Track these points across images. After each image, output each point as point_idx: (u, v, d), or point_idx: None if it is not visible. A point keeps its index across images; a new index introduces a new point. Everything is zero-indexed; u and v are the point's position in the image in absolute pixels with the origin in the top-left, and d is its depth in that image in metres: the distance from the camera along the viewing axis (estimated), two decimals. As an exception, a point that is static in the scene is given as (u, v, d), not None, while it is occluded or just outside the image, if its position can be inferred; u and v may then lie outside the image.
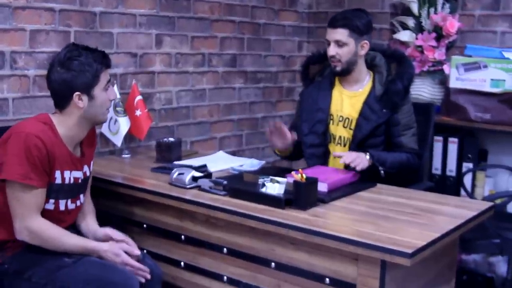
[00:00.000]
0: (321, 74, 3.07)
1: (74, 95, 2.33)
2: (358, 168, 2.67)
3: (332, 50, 2.88)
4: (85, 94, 2.35)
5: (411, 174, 2.99)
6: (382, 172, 2.81)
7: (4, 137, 2.29)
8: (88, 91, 2.36)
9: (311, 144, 2.98)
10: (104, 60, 2.40)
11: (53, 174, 2.31)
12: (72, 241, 2.34)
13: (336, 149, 2.97)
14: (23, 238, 2.27)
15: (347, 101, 2.96)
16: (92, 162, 2.56)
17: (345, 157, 2.68)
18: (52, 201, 2.35)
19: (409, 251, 1.91)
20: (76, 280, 2.24)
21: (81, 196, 2.49)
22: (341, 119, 2.96)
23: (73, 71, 2.32)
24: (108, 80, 2.43)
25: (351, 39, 2.85)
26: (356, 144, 2.89)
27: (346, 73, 2.94)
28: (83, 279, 2.24)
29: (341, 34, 2.85)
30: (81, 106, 2.35)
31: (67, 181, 2.38)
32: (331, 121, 2.98)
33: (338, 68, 2.91)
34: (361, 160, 2.70)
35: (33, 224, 2.26)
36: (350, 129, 2.93)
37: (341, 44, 2.86)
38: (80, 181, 2.45)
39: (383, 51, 3.05)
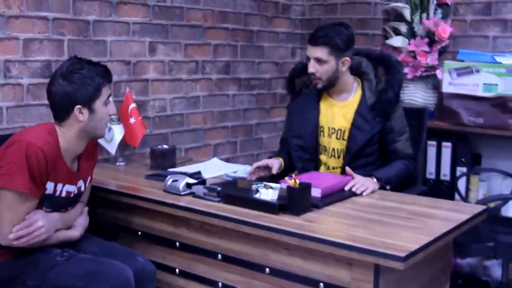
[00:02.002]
0: (308, 85, 3.04)
1: (75, 108, 2.33)
2: (365, 193, 2.64)
3: (312, 67, 2.85)
4: (86, 108, 2.35)
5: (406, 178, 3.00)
6: (388, 189, 2.81)
7: (8, 141, 2.28)
8: (89, 104, 2.35)
9: (302, 159, 2.97)
10: (106, 75, 2.40)
11: (45, 184, 2.31)
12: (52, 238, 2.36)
13: (330, 162, 2.95)
14: (8, 244, 2.26)
15: (338, 112, 2.93)
16: (89, 177, 2.56)
17: (355, 187, 2.65)
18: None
19: (402, 254, 1.92)
20: (69, 276, 2.26)
21: (69, 208, 2.49)
22: (333, 131, 2.93)
23: (75, 84, 2.32)
24: (109, 95, 2.43)
25: (332, 57, 2.81)
26: (352, 156, 2.88)
27: (328, 88, 2.92)
28: (75, 275, 2.26)
29: (321, 52, 2.81)
30: (82, 119, 2.35)
31: (57, 193, 2.37)
32: (322, 134, 2.95)
33: (319, 85, 2.90)
34: (369, 184, 2.69)
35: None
36: (344, 140, 2.90)
37: (322, 62, 2.83)
38: (72, 195, 2.45)
39: (368, 55, 3.02)
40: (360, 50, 3.04)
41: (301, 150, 2.96)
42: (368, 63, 2.96)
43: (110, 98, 2.46)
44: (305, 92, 3.06)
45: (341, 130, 2.91)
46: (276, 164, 2.88)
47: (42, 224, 2.29)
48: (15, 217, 2.24)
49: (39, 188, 2.27)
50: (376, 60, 2.98)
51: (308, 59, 2.87)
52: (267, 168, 2.86)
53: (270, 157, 3.05)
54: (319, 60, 2.83)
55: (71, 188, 2.43)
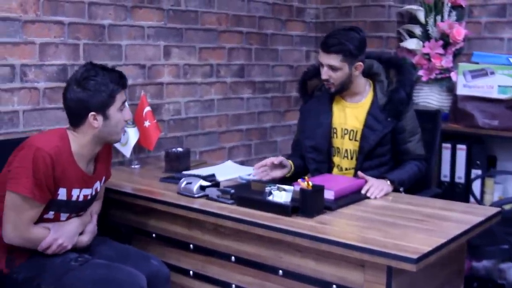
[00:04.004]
0: (320, 88, 3.03)
1: (89, 114, 2.35)
2: (379, 196, 2.64)
3: (325, 74, 2.84)
4: (100, 114, 2.36)
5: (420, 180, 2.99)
6: (402, 191, 2.81)
7: (20, 145, 2.32)
8: (103, 111, 2.37)
9: (315, 161, 2.97)
10: (120, 81, 2.41)
11: (57, 191, 2.33)
12: None
13: (342, 163, 2.95)
14: (11, 243, 2.30)
15: (351, 113, 2.94)
16: (104, 177, 2.59)
17: (371, 191, 2.64)
18: (52, 213, 2.37)
19: (415, 256, 1.92)
20: (83, 282, 2.27)
21: (87, 209, 2.52)
22: (346, 132, 2.93)
23: (89, 91, 2.33)
24: (123, 101, 2.44)
25: (345, 64, 2.80)
26: (364, 156, 2.88)
27: (341, 92, 2.92)
28: (89, 280, 2.28)
29: (334, 59, 2.79)
30: (96, 126, 2.37)
31: (74, 198, 2.39)
32: (335, 135, 2.96)
33: (332, 90, 2.89)
34: (383, 187, 2.68)
35: (25, 235, 2.29)
36: (356, 140, 2.91)
37: (335, 69, 2.81)
38: (89, 197, 2.48)
39: (378, 57, 3.01)
40: (371, 53, 3.03)
41: (314, 152, 2.97)
42: (379, 65, 2.96)
43: (126, 104, 2.47)
44: (317, 94, 3.06)
45: (353, 131, 2.91)
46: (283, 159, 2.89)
47: (61, 242, 2.35)
48: (18, 219, 2.27)
49: (45, 193, 2.28)
50: (387, 63, 2.98)
51: (321, 64, 2.86)
52: (280, 165, 2.88)
53: None
54: (332, 67, 2.82)
55: (88, 192, 2.45)
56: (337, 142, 2.96)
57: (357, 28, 2.90)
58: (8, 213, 2.27)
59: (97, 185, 2.51)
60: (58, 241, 2.34)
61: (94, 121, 2.36)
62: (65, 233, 2.37)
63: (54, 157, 2.26)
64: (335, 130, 2.96)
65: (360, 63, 2.84)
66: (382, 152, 2.90)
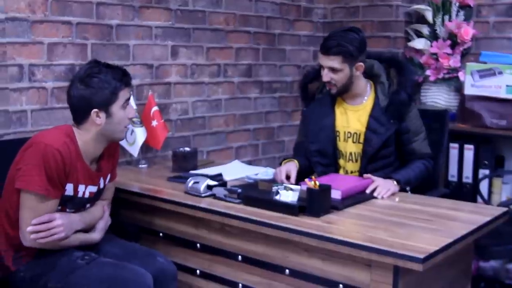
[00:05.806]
0: (321, 90, 3.01)
1: (92, 111, 2.36)
2: (386, 196, 2.64)
3: (326, 76, 2.82)
4: (103, 111, 2.38)
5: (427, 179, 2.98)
6: (408, 190, 2.81)
7: (26, 144, 2.33)
8: (106, 108, 2.38)
9: (321, 164, 2.96)
10: (123, 78, 2.42)
11: (65, 186, 2.34)
12: (73, 239, 2.38)
13: (347, 166, 2.94)
14: (31, 245, 2.30)
15: (353, 116, 2.92)
16: (110, 175, 2.58)
17: (377, 191, 2.65)
18: (58, 208, 2.37)
19: (421, 256, 1.92)
20: (90, 280, 2.28)
21: (88, 205, 2.51)
22: (349, 135, 2.92)
23: (92, 88, 2.35)
24: (127, 98, 2.44)
25: (346, 65, 2.78)
26: (368, 159, 2.87)
27: (342, 93, 2.90)
28: (96, 279, 2.28)
29: (334, 61, 2.77)
30: (99, 123, 2.38)
31: (80, 195, 2.40)
32: (338, 138, 2.94)
33: (334, 91, 2.88)
34: (389, 186, 2.68)
35: None
36: (360, 143, 2.89)
37: (336, 71, 2.80)
38: (94, 195, 2.49)
39: (378, 57, 3.00)
40: (371, 53, 2.99)
41: (319, 156, 2.96)
42: (380, 65, 2.95)
43: (130, 102, 2.48)
44: (318, 97, 3.04)
45: (356, 133, 2.90)
46: (293, 170, 2.85)
47: (61, 223, 2.31)
48: (36, 218, 2.27)
49: (58, 189, 2.30)
50: (387, 62, 2.97)
51: (322, 67, 2.85)
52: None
53: (280, 163, 3.00)
54: (333, 69, 2.80)
55: (94, 189, 2.46)
56: (340, 145, 2.95)
57: (356, 28, 2.88)
58: (25, 215, 2.27)
59: (101, 182, 2.52)
60: (58, 221, 2.29)
61: (97, 118, 2.37)
62: (65, 218, 2.34)
63: (63, 153, 2.27)
64: (338, 133, 2.95)
65: (361, 63, 2.83)
66: (386, 154, 2.88)
